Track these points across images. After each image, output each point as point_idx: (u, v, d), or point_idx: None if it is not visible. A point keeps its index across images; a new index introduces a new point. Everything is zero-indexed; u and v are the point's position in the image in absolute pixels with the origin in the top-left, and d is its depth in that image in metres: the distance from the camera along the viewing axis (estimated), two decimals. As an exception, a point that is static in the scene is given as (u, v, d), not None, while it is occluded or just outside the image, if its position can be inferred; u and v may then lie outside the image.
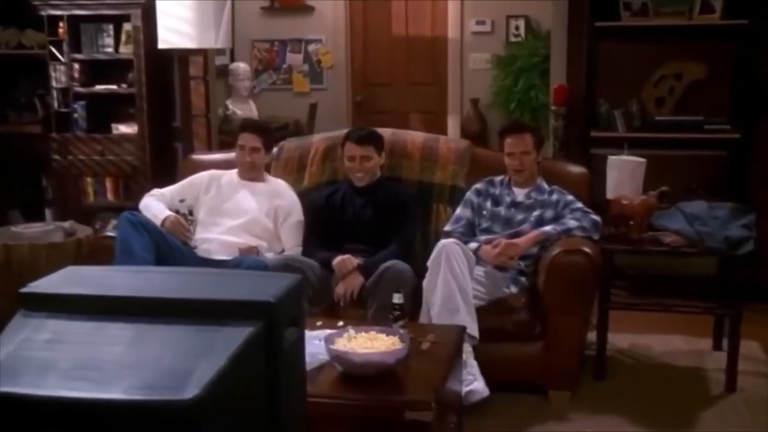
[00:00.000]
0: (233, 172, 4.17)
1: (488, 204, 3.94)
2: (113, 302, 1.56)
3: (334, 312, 3.63)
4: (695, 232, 3.78)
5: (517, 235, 3.77)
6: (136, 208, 3.99)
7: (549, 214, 3.84)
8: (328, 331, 2.91)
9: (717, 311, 4.07)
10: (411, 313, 3.40)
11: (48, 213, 5.92)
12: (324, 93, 7.40)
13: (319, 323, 3.18)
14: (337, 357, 2.75)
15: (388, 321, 3.08)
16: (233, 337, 1.55)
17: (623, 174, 4.11)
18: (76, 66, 5.64)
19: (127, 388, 1.40)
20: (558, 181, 3.98)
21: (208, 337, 1.54)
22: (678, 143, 4.89)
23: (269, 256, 3.90)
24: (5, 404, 1.41)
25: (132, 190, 5.67)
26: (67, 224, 4.04)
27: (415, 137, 4.32)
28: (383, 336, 2.85)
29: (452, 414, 3.01)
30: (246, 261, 3.67)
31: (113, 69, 5.67)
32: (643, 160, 4.11)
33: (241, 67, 6.87)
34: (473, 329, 3.43)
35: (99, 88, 5.68)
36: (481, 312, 3.54)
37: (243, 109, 6.71)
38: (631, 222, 3.92)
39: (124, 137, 5.68)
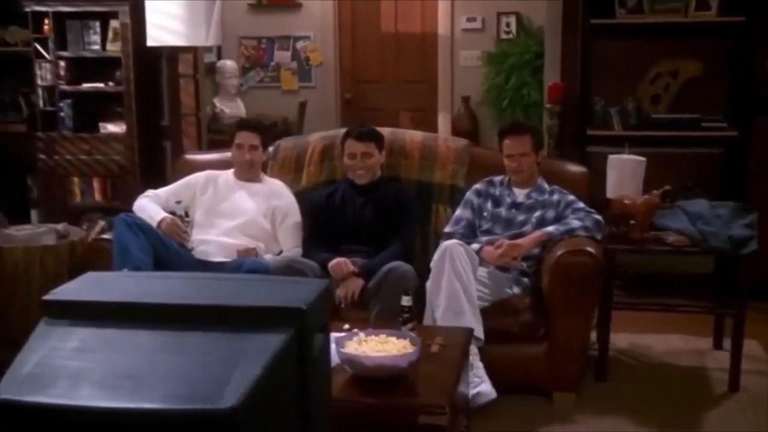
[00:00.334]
0: (229, 173, 4.10)
1: (489, 205, 3.90)
2: (142, 309, 1.51)
3: (335, 314, 3.57)
4: (698, 232, 3.76)
5: (519, 236, 3.73)
6: (124, 209, 3.92)
7: (550, 214, 3.81)
8: (336, 335, 2.85)
9: (720, 311, 4.05)
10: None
11: (33, 214, 5.83)
12: (312, 91, 7.33)
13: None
14: (349, 360, 2.70)
15: (392, 323, 3.05)
16: (266, 344, 1.50)
17: (624, 173, 4.09)
18: (62, 64, 5.57)
19: (163, 397, 1.36)
20: (557, 180, 3.95)
21: (241, 344, 1.49)
22: (674, 141, 4.87)
23: (268, 257, 3.84)
24: (37, 415, 1.36)
25: (120, 190, 5.61)
26: (60, 226, 3.96)
27: (414, 136, 4.27)
28: (394, 339, 2.81)
29: (462, 417, 2.97)
30: (246, 263, 3.61)
31: (100, 67, 5.60)
32: (643, 159, 4.09)
33: (228, 64, 6.79)
34: (479, 331, 3.39)
35: (86, 86, 5.62)
36: (485, 313, 3.50)
37: (230, 108, 6.63)
38: (632, 221, 3.90)
39: (112, 136, 5.61)
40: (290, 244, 3.96)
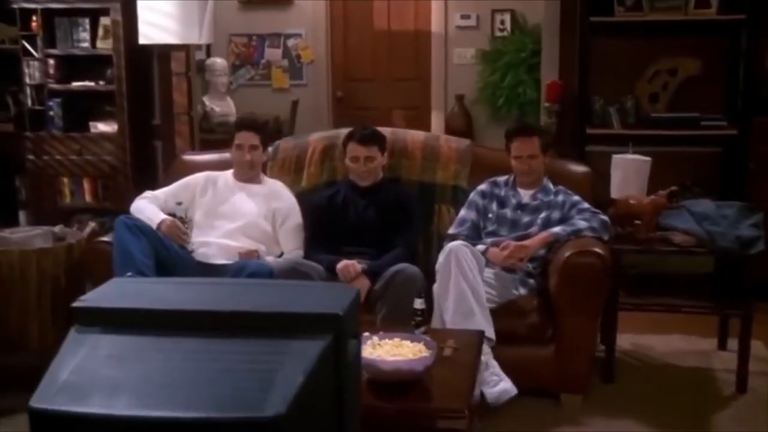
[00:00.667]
0: (228, 174, 4.03)
1: (494, 206, 3.85)
2: (177, 316, 1.45)
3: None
4: (705, 232, 3.74)
5: (525, 237, 3.69)
6: (115, 210, 3.84)
7: (556, 215, 3.77)
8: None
9: (726, 311, 4.02)
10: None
11: (22, 215, 5.73)
12: (304, 89, 7.24)
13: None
14: (364, 364, 2.63)
15: (399, 325, 3.01)
16: (305, 351, 1.46)
17: (628, 173, 4.08)
18: (51, 62, 5.49)
19: (208, 405, 1.32)
20: (560, 180, 3.91)
21: (281, 351, 1.46)
22: (673, 140, 4.85)
23: (270, 259, 3.78)
24: (74, 425, 1.31)
25: (111, 190, 5.52)
26: (57, 228, 3.86)
27: (416, 136, 4.22)
28: (408, 343, 2.77)
29: (477, 420, 2.93)
30: (249, 265, 3.54)
31: (90, 65, 5.52)
32: (648, 158, 4.06)
33: (218, 62, 6.70)
34: (490, 332, 3.35)
35: (75, 84, 5.53)
36: (493, 315, 3.45)
37: (221, 106, 6.55)
38: (637, 221, 3.87)
39: (103, 136, 5.53)
40: (291, 246, 3.89)
